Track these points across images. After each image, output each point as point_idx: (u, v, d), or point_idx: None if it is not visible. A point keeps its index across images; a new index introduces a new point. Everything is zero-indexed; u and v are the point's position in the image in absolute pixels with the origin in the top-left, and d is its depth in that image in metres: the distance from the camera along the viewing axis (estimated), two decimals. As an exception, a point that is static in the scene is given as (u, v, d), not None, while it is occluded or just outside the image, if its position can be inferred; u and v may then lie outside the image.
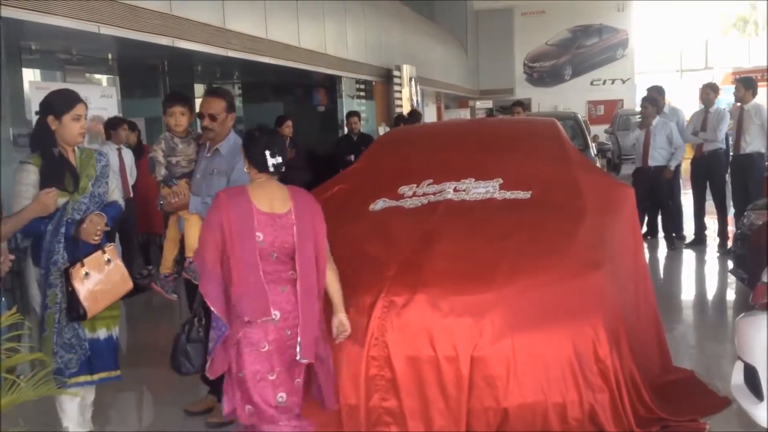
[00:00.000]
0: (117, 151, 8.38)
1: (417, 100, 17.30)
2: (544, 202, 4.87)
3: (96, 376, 4.10)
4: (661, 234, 10.16)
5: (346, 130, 11.75)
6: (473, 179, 5.16)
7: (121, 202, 4.32)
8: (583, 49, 29.71)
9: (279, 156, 3.50)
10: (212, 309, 3.45)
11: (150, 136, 10.57)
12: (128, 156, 8.64)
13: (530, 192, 4.97)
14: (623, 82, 29.51)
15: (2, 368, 2.87)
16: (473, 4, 28.76)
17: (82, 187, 4.02)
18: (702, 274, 9.08)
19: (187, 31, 8.53)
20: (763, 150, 8.89)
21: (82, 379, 4.04)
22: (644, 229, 9.71)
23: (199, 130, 4.78)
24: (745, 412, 3.85)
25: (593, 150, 12.11)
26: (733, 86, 9.78)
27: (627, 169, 11.17)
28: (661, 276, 8.76)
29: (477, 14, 29.17)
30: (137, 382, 5.57)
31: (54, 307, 3.93)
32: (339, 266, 3.79)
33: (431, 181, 5.23)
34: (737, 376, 3.90)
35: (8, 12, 5.99)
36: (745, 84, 9.16)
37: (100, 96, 9.05)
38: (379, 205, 5.12)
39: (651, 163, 9.64)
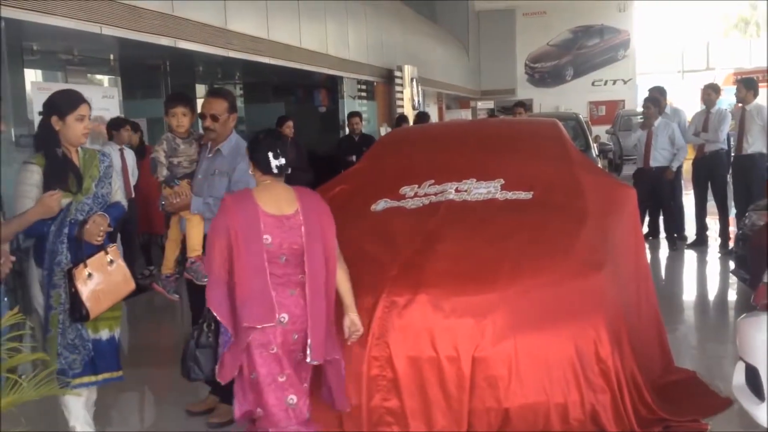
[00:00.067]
0: (119, 151, 8.38)
1: (418, 101, 17.30)
2: (545, 203, 4.87)
3: (100, 377, 4.10)
4: (662, 234, 10.16)
5: (347, 130, 11.75)
6: (475, 180, 5.16)
7: (124, 203, 4.32)
8: (585, 49, 29.71)
9: (282, 157, 3.50)
10: (215, 315, 3.44)
11: (152, 137, 10.57)
12: (130, 156, 8.65)
13: (532, 192, 4.97)
14: (625, 82, 29.50)
15: (4, 368, 2.87)
16: (474, 4, 28.76)
17: (86, 188, 4.01)
18: (703, 275, 9.08)
19: (189, 32, 8.53)
20: (764, 151, 8.88)
21: (86, 379, 4.04)
22: (645, 229, 9.71)
23: (201, 131, 4.78)
24: (746, 412, 3.85)
25: (595, 150, 12.12)
26: (735, 87, 9.78)
27: (628, 170, 11.18)
28: (663, 276, 8.76)
29: (478, 15, 29.17)
30: (139, 383, 5.57)
31: (58, 308, 3.93)
32: (341, 267, 3.79)
33: (433, 181, 5.23)
34: (739, 376, 3.90)
35: (10, 12, 6.00)
36: (747, 85, 9.16)
37: (102, 97, 9.05)
38: (381, 205, 5.13)
39: (652, 163, 9.64)
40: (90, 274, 3.88)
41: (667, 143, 9.60)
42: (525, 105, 12.25)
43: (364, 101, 15.87)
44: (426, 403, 3.99)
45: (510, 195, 4.99)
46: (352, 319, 3.72)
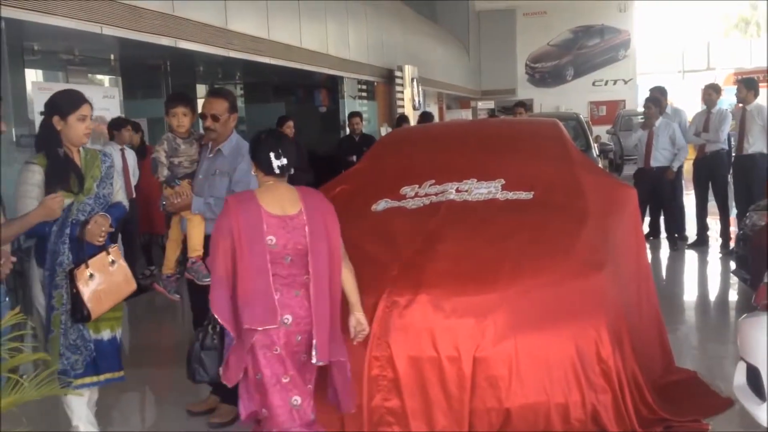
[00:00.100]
0: (120, 151, 8.38)
1: (419, 101, 17.30)
2: (546, 203, 4.87)
3: (102, 377, 4.10)
4: (663, 235, 10.15)
5: (347, 130, 11.76)
6: (475, 180, 5.16)
7: (126, 203, 4.31)
8: (585, 49, 29.71)
9: (284, 157, 3.48)
10: (217, 317, 3.43)
11: (152, 137, 10.58)
12: (131, 156, 8.65)
13: (532, 192, 4.97)
14: (625, 82, 29.51)
15: (5, 368, 2.88)
16: (475, 4, 28.76)
17: (87, 188, 4.01)
18: (704, 275, 9.07)
19: (189, 32, 8.54)
20: (765, 151, 8.87)
21: (88, 380, 4.04)
22: (646, 229, 9.70)
23: (201, 131, 4.78)
24: (747, 412, 3.85)
25: (595, 151, 12.12)
26: (735, 87, 9.78)
27: (629, 170, 11.18)
28: (664, 277, 8.76)
29: (479, 15, 29.17)
30: (140, 383, 5.57)
31: (60, 309, 3.93)
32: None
33: (433, 181, 5.23)
34: (740, 376, 3.90)
35: (11, 12, 6.00)
36: (747, 85, 9.16)
37: (103, 97, 9.06)
38: (381, 205, 5.12)
39: (653, 163, 9.63)
40: (91, 275, 3.88)
41: (667, 143, 9.59)
42: (525, 105, 12.25)
43: (365, 101, 15.88)
44: (427, 403, 3.99)
45: (511, 195, 4.98)
46: (358, 318, 3.71)
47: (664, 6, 33.54)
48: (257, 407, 3.45)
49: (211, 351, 3.67)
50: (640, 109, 11.90)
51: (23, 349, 3.15)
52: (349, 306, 3.70)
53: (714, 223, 9.84)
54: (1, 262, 3.57)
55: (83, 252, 3.91)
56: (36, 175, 3.89)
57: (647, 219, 10.00)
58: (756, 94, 9.11)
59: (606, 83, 29.64)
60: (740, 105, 9.29)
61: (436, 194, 5.10)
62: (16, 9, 6.02)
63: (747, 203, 8.33)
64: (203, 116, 4.65)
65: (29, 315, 3.88)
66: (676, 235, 9.91)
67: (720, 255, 9.25)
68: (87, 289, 3.86)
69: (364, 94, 15.96)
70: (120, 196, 4.25)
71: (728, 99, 14.05)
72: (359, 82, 15.52)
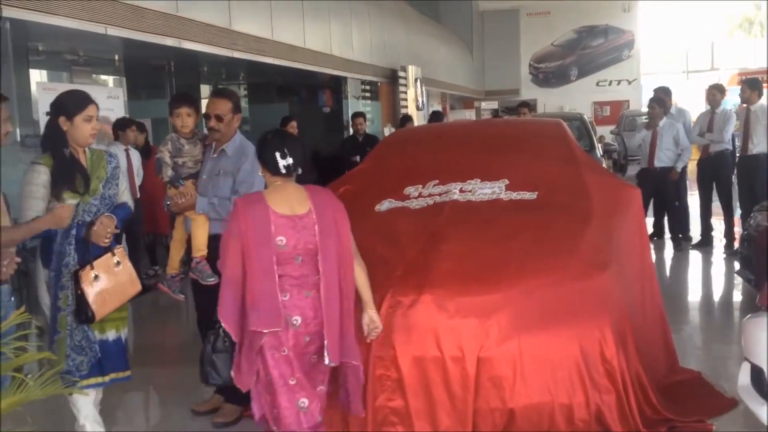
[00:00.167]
0: (124, 152, 8.40)
1: (422, 101, 17.30)
2: (550, 203, 4.87)
3: (108, 378, 4.10)
4: (667, 235, 10.14)
5: (351, 131, 11.76)
6: (479, 180, 5.16)
7: (131, 204, 4.30)
8: (589, 49, 29.70)
9: (290, 157, 3.46)
10: (221, 321, 3.40)
11: (156, 137, 10.60)
12: (135, 157, 8.66)
13: (536, 193, 4.97)
14: (629, 82, 29.49)
15: (10, 367, 2.88)
16: (478, 4, 28.76)
17: (93, 189, 4.01)
18: (708, 276, 9.06)
19: (193, 32, 8.55)
20: (769, 151, 8.86)
21: (93, 380, 4.03)
22: (650, 230, 9.69)
23: (205, 131, 4.78)
24: (751, 413, 3.84)
25: (599, 151, 12.10)
26: (739, 87, 9.76)
27: (633, 170, 11.18)
28: (668, 277, 8.74)
29: (482, 15, 29.17)
30: (144, 382, 5.58)
31: (66, 310, 3.93)
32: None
33: (437, 181, 5.23)
34: (744, 377, 3.90)
35: (16, 13, 6.02)
36: (751, 85, 9.14)
37: (107, 97, 9.07)
38: (385, 205, 5.13)
39: (657, 164, 9.62)
40: (96, 276, 3.88)
41: (671, 144, 9.58)
42: (529, 105, 12.25)
43: (368, 101, 15.89)
44: (431, 404, 3.99)
45: (514, 195, 4.98)
46: (371, 316, 3.67)
47: (668, 6, 33.55)
48: (268, 408, 3.43)
49: (223, 353, 3.64)
50: (644, 109, 11.91)
51: (28, 348, 3.15)
52: (362, 303, 3.66)
53: (718, 223, 9.82)
54: (5, 263, 3.58)
55: (89, 253, 3.90)
56: (42, 175, 3.89)
57: (651, 219, 9.98)
58: (760, 95, 9.09)
59: (610, 83, 29.63)
60: (744, 105, 9.28)
61: (439, 194, 5.10)
62: (21, 9, 6.03)
63: (751, 203, 8.31)
64: (207, 116, 4.65)
65: (34, 315, 3.89)
66: (680, 235, 9.89)
67: (724, 255, 9.23)
68: (91, 291, 3.85)
69: (367, 94, 15.98)
70: (125, 196, 4.25)
71: (732, 99, 14.01)
72: (363, 82, 15.53)
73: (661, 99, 10.02)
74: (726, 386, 4.74)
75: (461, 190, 5.09)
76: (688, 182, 10.27)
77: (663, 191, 9.70)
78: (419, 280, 4.14)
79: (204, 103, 4.90)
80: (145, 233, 9.24)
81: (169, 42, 8.14)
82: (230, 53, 9.48)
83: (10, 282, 3.67)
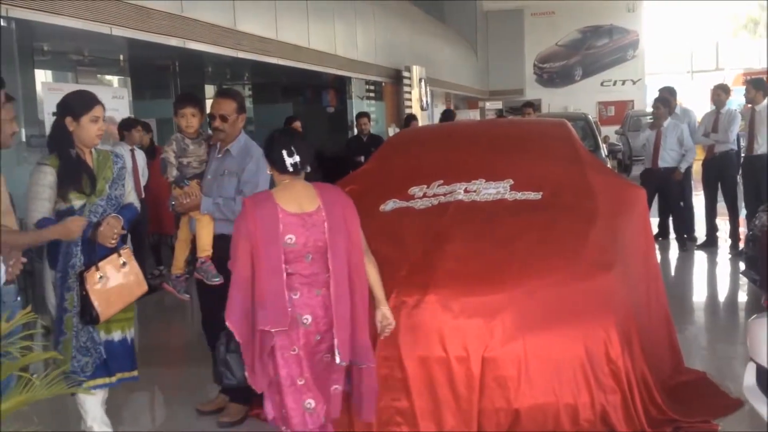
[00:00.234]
0: (130, 152, 8.40)
1: (427, 101, 17.30)
2: (555, 203, 4.87)
3: (114, 378, 4.10)
4: (672, 235, 10.13)
5: (355, 131, 11.76)
6: (484, 180, 5.16)
7: (137, 204, 4.29)
8: (594, 49, 29.66)
9: (297, 155, 3.44)
10: (226, 320, 3.37)
11: (161, 137, 10.61)
12: (140, 157, 8.67)
13: (541, 193, 4.97)
14: (634, 83, 29.44)
15: (16, 367, 2.89)
16: (483, 4, 28.75)
17: (99, 190, 4.00)
18: (713, 276, 9.05)
19: (198, 33, 8.57)
20: (775, 151, 8.84)
21: (100, 381, 4.02)
22: (655, 230, 9.67)
23: (209, 131, 4.79)
24: (757, 413, 3.83)
25: (604, 151, 12.10)
26: (744, 87, 9.74)
27: (638, 170, 11.16)
28: (673, 277, 8.73)
29: (486, 15, 29.15)
30: (149, 382, 5.58)
31: (73, 311, 3.92)
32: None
33: (442, 181, 5.23)
34: (749, 377, 3.89)
35: (21, 13, 6.04)
36: (756, 85, 9.12)
37: (112, 97, 9.09)
38: (390, 206, 5.13)
39: (661, 164, 9.61)
40: (101, 277, 3.88)
41: (675, 144, 9.57)
42: (534, 105, 12.25)
43: (373, 102, 15.89)
44: (435, 404, 3.99)
45: (519, 195, 4.98)
46: (384, 312, 3.64)
47: (672, 6, 33.41)
48: (277, 408, 3.41)
49: (236, 354, 3.59)
50: (649, 109, 11.88)
51: (33, 348, 3.16)
52: (374, 301, 3.62)
53: (723, 223, 9.81)
54: (11, 263, 3.58)
55: (95, 254, 3.90)
56: (48, 176, 3.89)
57: (656, 220, 9.97)
58: (765, 95, 9.05)
59: (614, 83, 29.58)
60: (749, 105, 9.26)
61: (444, 194, 5.10)
62: (26, 10, 6.05)
63: (756, 204, 8.30)
64: (212, 117, 4.65)
65: (40, 314, 3.89)
66: (686, 235, 9.88)
67: (729, 256, 9.22)
68: (96, 291, 3.85)
69: (371, 94, 15.98)
70: (132, 197, 4.24)
71: (737, 99, 13.99)
72: (367, 82, 15.54)
73: (666, 99, 10.01)
74: (731, 386, 4.73)
75: (466, 191, 5.08)
76: (693, 182, 10.25)
77: (667, 192, 9.68)
78: (424, 280, 4.14)
79: (209, 103, 4.90)
80: (149, 233, 9.25)
81: (174, 42, 8.15)
82: (235, 53, 9.49)
83: (16, 282, 3.68)
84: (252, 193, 4.08)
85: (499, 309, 4.04)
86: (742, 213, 9.62)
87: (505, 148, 5.64)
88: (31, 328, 3.21)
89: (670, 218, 10.17)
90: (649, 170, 9.86)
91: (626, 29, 29.49)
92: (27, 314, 2.98)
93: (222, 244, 4.39)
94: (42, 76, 9.59)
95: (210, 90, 14.04)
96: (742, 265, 7.56)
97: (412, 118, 12.75)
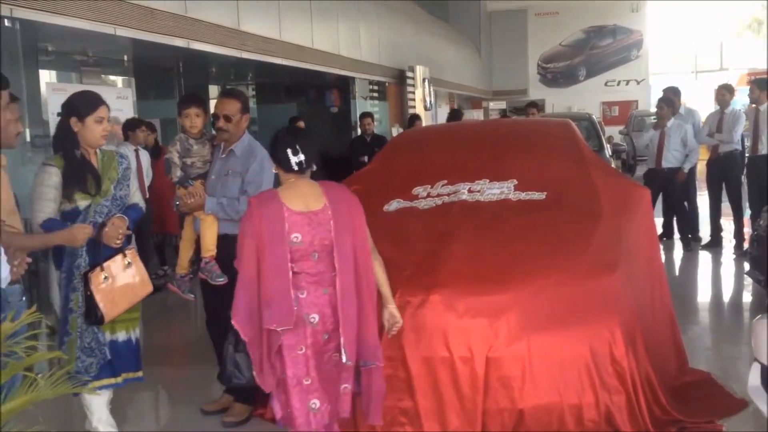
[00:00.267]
0: (134, 152, 8.42)
1: (430, 101, 17.30)
2: (559, 203, 4.86)
3: (120, 379, 4.10)
4: (676, 236, 10.11)
5: (359, 131, 11.77)
6: (488, 180, 5.16)
7: (142, 205, 4.30)
8: (598, 49, 29.67)
9: (302, 153, 3.43)
10: (231, 319, 3.36)
11: (165, 138, 10.63)
12: (144, 157, 8.68)
13: (545, 193, 4.96)
14: (638, 83, 29.44)
15: (21, 366, 2.89)
16: (487, 4, 28.76)
17: (104, 190, 4.01)
18: (718, 276, 9.03)
19: (202, 33, 8.58)
20: (779, 151, 8.82)
21: (106, 381, 4.03)
22: (659, 230, 9.65)
23: (213, 131, 4.79)
24: (761, 414, 3.83)
25: (608, 151, 12.07)
26: (748, 87, 9.73)
27: (642, 171, 11.15)
28: (677, 277, 8.72)
29: (490, 15, 29.16)
30: (153, 382, 5.58)
31: (78, 311, 3.93)
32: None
33: (445, 182, 5.23)
34: (754, 377, 3.88)
35: (26, 13, 6.05)
36: (760, 85, 9.09)
37: (116, 97, 9.08)
38: (393, 206, 5.13)
39: (664, 164, 9.59)
40: (106, 278, 3.88)
41: (679, 144, 9.55)
42: (537, 105, 12.24)
43: (376, 102, 15.90)
44: (440, 404, 3.99)
45: (523, 195, 4.98)
46: (391, 311, 3.64)
47: (676, 6, 33.37)
48: (284, 407, 3.39)
49: (245, 353, 3.57)
50: (653, 109, 11.86)
51: (38, 347, 3.16)
52: (381, 299, 3.62)
53: (728, 224, 9.79)
54: (16, 263, 3.59)
55: (100, 254, 3.91)
56: (53, 177, 3.89)
57: (660, 220, 9.95)
58: (770, 95, 9.05)
59: (618, 83, 29.59)
60: (753, 105, 9.24)
61: (448, 194, 5.10)
62: (30, 10, 6.06)
63: (761, 204, 8.27)
64: (216, 117, 4.65)
65: (45, 314, 3.90)
66: (690, 236, 9.86)
67: (734, 256, 9.20)
68: (101, 292, 3.85)
69: (375, 94, 15.99)
70: (137, 197, 4.24)
71: (741, 99, 13.97)
72: (370, 82, 15.54)
73: (670, 99, 9.99)
74: (736, 387, 4.72)
75: (470, 191, 5.08)
76: (697, 183, 10.23)
77: (670, 192, 9.67)
78: (428, 280, 4.14)
79: (212, 103, 4.90)
80: (154, 233, 9.26)
81: (178, 43, 8.16)
82: (239, 54, 9.50)
83: (21, 282, 3.69)
84: (256, 193, 4.08)
85: (503, 309, 4.03)
86: (747, 213, 9.60)
87: (509, 149, 5.63)
88: (36, 328, 3.22)
89: (675, 218, 10.15)
90: (653, 170, 9.85)
91: (630, 29, 29.50)
92: (32, 314, 2.98)
93: (226, 244, 4.40)
94: (46, 77, 9.61)
95: (214, 90, 14.06)
96: (746, 266, 7.55)
97: (416, 118, 12.76)
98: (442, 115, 21.08)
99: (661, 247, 7.15)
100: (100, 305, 3.85)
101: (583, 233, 4.54)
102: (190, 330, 7.45)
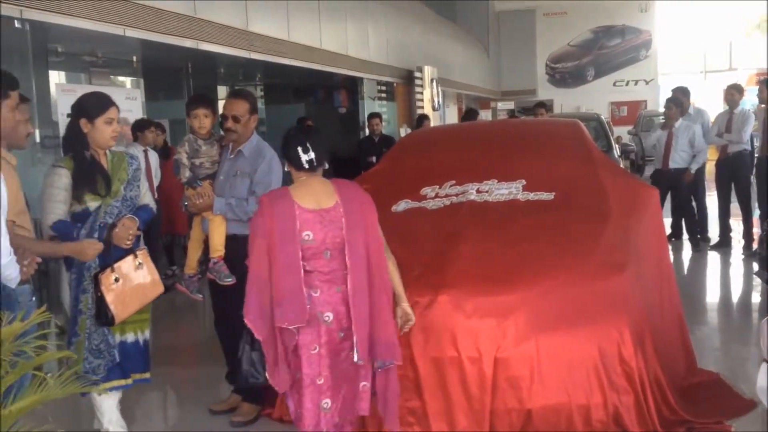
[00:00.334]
0: (143, 152, 8.44)
1: (438, 102, 17.29)
2: (567, 204, 4.86)
3: (130, 380, 4.10)
4: (685, 236, 10.09)
5: (367, 131, 11.77)
6: (496, 180, 5.16)
7: (153, 206, 4.30)
8: (606, 49, 29.60)
9: (312, 152, 3.42)
10: (244, 318, 3.34)
11: (174, 138, 10.66)
12: (153, 158, 8.70)
13: (553, 193, 4.96)
14: (646, 83, 29.36)
15: (31, 366, 2.91)
16: (495, 4, 28.73)
17: (115, 191, 4.01)
18: (727, 276, 9.00)
19: (211, 34, 8.59)
20: (788, 151, 8.78)
21: (116, 383, 4.03)
22: (668, 230, 9.63)
23: (221, 132, 4.80)
24: (771, 414, 3.82)
25: (617, 151, 12.05)
26: (757, 87, 9.69)
27: (650, 171, 11.12)
28: (686, 278, 8.69)
29: (498, 15, 29.13)
30: (162, 382, 5.60)
31: (87, 313, 3.94)
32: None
33: (454, 182, 5.23)
34: (762, 378, 3.86)
35: (35, 15, 6.08)
36: (769, 85, 9.07)
37: (125, 98, 9.12)
38: (402, 206, 5.13)
39: (671, 165, 9.56)
40: (117, 279, 3.88)
41: (686, 145, 9.51)
42: (546, 105, 12.23)
43: (384, 102, 15.90)
44: (448, 404, 3.99)
45: (532, 196, 4.98)
46: (404, 309, 3.63)
47: (685, 6, 33.27)
48: (296, 406, 3.38)
49: (260, 352, 3.52)
50: (662, 109, 11.80)
51: (48, 347, 3.17)
52: (395, 298, 3.60)
53: (736, 224, 9.75)
54: (25, 263, 3.61)
55: (110, 255, 3.91)
56: (63, 178, 3.89)
57: (669, 220, 9.92)
58: (778, 95, 9.01)
59: (627, 83, 29.51)
60: (762, 105, 9.20)
61: (456, 195, 5.10)
62: (40, 11, 6.09)
63: (770, 204, 8.26)
64: (224, 117, 4.66)
65: (54, 314, 3.92)
66: (699, 236, 9.83)
67: (743, 256, 9.17)
68: (111, 293, 3.85)
69: (383, 95, 15.99)
70: (147, 198, 4.24)
71: (750, 99, 13.92)
72: (379, 83, 15.54)
73: (679, 99, 9.95)
74: (744, 387, 4.71)
75: (478, 191, 5.09)
76: (706, 183, 10.20)
77: (677, 192, 9.64)
78: (436, 280, 4.14)
79: (221, 104, 4.91)
80: (162, 233, 9.29)
81: (187, 43, 8.18)
82: (247, 54, 9.51)
83: (31, 282, 3.71)
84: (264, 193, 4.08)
85: (511, 309, 4.03)
86: (756, 213, 9.57)
87: (518, 149, 5.63)
88: (45, 328, 3.23)
89: (683, 219, 10.11)
90: (660, 171, 9.82)
91: (639, 29, 29.42)
92: (42, 314, 3.00)
93: (234, 244, 4.41)
94: (56, 78, 9.64)
95: (222, 91, 14.08)
96: (755, 266, 7.51)
97: (424, 118, 12.76)
98: (451, 115, 21.08)
99: (670, 247, 7.13)
100: (111, 306, 3.85)
101: (592, 233, 4.53)
102: (198, 330, 7.47)
